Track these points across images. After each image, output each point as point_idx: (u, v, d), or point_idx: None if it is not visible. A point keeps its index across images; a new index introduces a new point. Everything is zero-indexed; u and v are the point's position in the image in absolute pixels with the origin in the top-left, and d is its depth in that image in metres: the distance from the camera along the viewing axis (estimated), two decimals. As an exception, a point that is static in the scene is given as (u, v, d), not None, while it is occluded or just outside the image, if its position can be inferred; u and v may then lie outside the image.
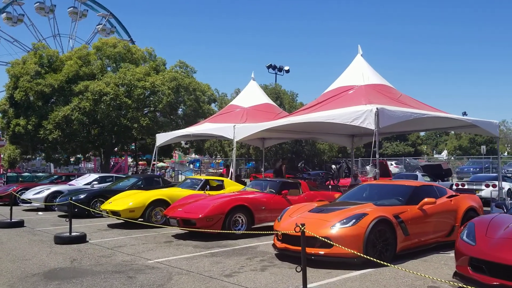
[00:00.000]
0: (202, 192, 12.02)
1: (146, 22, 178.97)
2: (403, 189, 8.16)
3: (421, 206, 7.54)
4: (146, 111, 28.00)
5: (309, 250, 6.72)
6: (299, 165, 27.65)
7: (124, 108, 25.32)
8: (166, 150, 29.75)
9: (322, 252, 6.59)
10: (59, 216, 14.00)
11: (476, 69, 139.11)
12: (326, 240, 6.60)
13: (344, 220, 6.74)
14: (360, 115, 11.46)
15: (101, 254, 7.94)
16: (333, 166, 27.55)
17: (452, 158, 55.73)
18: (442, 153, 65.68)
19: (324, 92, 15.29)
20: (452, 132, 66.57)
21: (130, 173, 35.45)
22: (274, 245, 7.58)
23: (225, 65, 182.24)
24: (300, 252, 6.83)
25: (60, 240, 8.91)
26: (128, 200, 11.36)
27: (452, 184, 21.82)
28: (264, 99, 19.71)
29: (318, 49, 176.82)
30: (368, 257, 5.53)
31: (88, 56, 27.20)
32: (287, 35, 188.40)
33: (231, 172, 16.16)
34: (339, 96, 14.13)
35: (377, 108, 11.06)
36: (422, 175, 20.22)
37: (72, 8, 51.99)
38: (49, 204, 14.92)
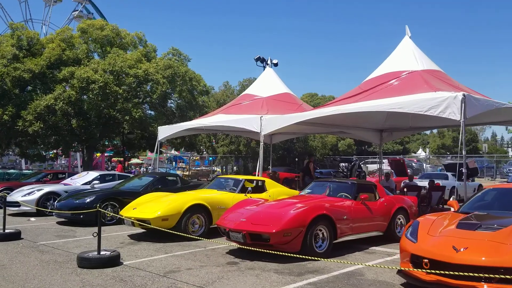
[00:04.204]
0: (243, 195, 9.87)
1: (125, 11, 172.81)
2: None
3: None
4: (134, 102, 25.24)
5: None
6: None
7: (113, 98, 22.58)
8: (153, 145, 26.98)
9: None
10: (58, 223, 11.44)
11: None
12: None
13: (535, 244, 4.71)
14: (439, 103, 9.56)
15: (157, 285, 5.65)
16: (341, 164, 25.73)
17: (430, 157, 55.18)
18: (419, 151, 65.14)
19: (367, 79, 13.36)
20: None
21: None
22: (405, 274, 5.47)
23: (210, 59, 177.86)
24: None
25: (88, 263, 6.51)
26: (157, 205, 9.00)
27: (480, 185, 20.31)
28: (283, 88, 17.58)
29: (307, 47, 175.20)
30: None
31: (72, 39, 24.26)
32: (272, 30, 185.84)
33: (257, 171, 13.95)
34: (389, 84, 12.24)
35: (463, 95, 9.19)
36: (452, 175, 18.56)
37: (45, -8, 48.22)
38: (42, 209, 12.36)
